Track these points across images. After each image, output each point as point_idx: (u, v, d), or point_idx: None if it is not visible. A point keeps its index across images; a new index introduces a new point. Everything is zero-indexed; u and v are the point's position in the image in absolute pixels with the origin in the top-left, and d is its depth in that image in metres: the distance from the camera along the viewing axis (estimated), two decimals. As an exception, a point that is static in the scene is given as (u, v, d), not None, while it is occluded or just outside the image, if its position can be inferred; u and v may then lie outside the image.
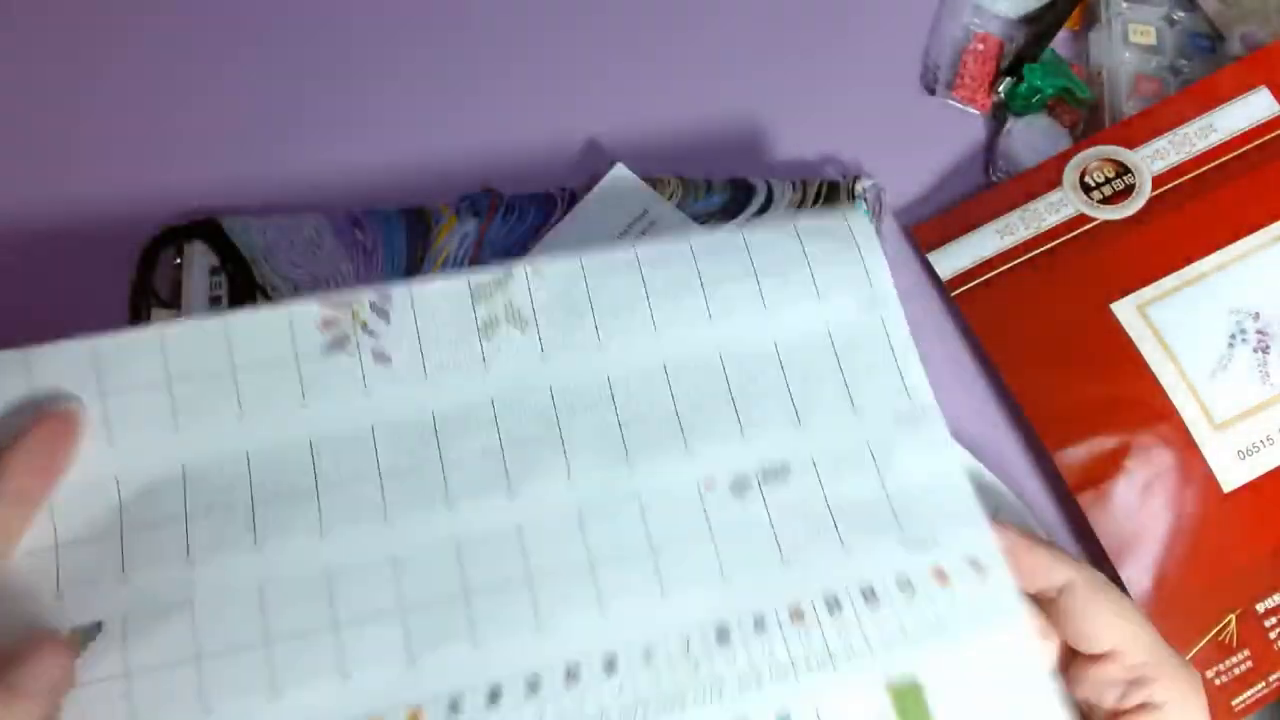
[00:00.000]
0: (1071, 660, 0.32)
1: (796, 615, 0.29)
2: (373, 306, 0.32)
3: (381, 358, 0.32)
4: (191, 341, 0.32)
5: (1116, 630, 0.31)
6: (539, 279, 0.33)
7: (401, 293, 0.33)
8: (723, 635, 0.29)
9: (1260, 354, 0.41)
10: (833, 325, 0.33)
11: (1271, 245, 0.42)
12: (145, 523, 0.30)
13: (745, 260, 0.34)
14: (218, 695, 0.28)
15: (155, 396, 0.31)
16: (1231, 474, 0.40)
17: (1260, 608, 0.40)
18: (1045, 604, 0.32)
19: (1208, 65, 0.47)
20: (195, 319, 0.32)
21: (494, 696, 0.28)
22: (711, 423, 0.32)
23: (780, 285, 0.33)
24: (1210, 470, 0.40)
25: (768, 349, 0.33)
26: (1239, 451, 0.41)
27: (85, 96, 0.45)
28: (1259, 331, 0.41)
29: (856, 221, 0.35)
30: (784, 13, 0.48)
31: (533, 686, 0.28)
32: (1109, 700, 0.31)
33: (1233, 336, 0.41)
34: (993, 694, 0.29)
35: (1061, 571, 0.32)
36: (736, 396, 0.32)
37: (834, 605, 0.29)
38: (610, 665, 0.29)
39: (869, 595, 0.30)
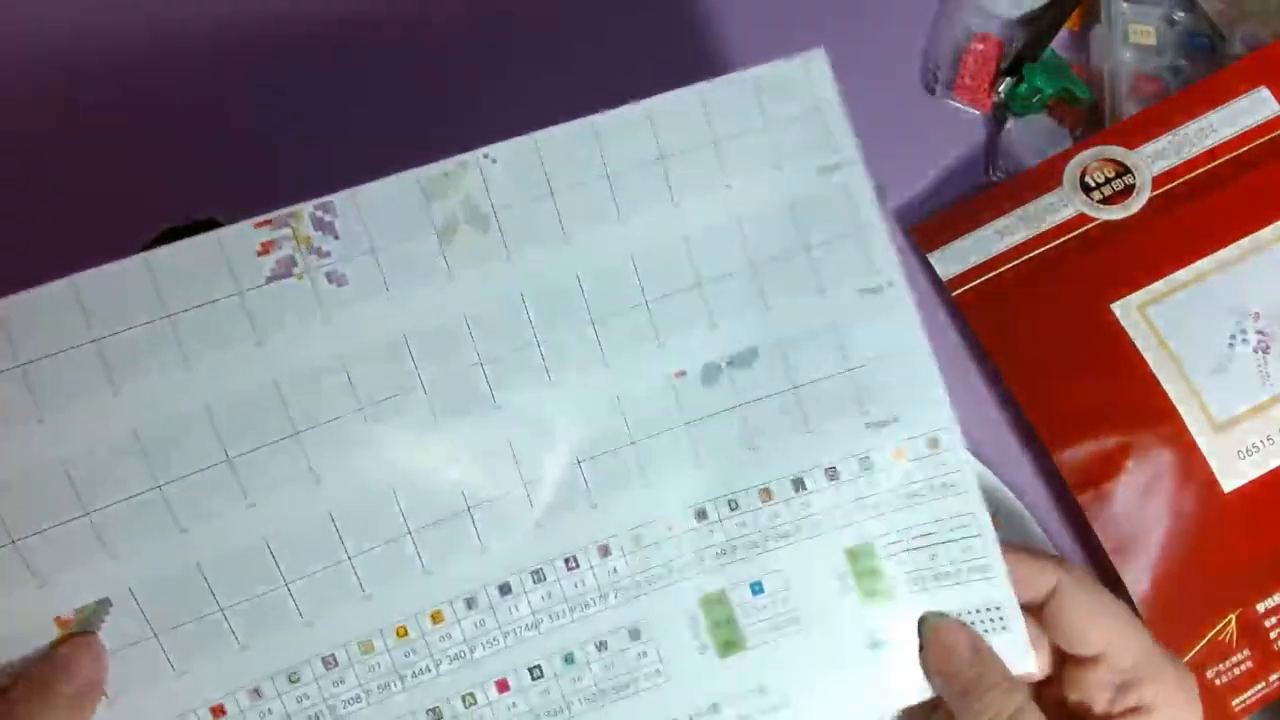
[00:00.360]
0: (1063, 665, 0.32)
1: (765, 495, 0.32)
2: (315, 221, 0.30)
3: (336, 279, 0.30)
4: (111, 288, 0.28)
5: (1105, 631, 0.31)
6: (492, 165, 0.31)
7: (345, 201, 0.30)
8: (701, 516, 0.32)
9: (1260, 354, 0.41)
10: (795, 198, 0.32)
11: (1271, 245, 0.42)
12: (110, 501, 0.29)
13: (704, 128, 0.32)
14: (251, 634, 0.30)
15: (83, 358, 0.28)
16: (1231, 474, 0.40)
17: (1260, 608, 0.40)
18: (1035, 610, 0.31)
19: (1208, 65, 0.47)
20: (112, 263, 0.28)
21: (504, 590, 0.31)
22: (681, 314, 0.32)
23: (741, 155, 0.32)
24: (1210, 470, 0.40)
25: (732, 230, 0.32)
26: (1239, 451, 0.40)
27: (84, 96, 0.45)
28: (1259, 331, 0.41)
29: (816, 71, 0.33)
30: (784, 13, 0.48)
31: (538, 577, 0.31)
32: (1100, 704, 0.30)
33: (1233, 336, 0.41)
34: (938, 550, 0.32)
35: (1047, 576, 0.31)
36: (704, 284, 0.32)
37: (799, 485, 0.32)
38: (604, 551, 0.31)
39: (831, 474, 0.32)
